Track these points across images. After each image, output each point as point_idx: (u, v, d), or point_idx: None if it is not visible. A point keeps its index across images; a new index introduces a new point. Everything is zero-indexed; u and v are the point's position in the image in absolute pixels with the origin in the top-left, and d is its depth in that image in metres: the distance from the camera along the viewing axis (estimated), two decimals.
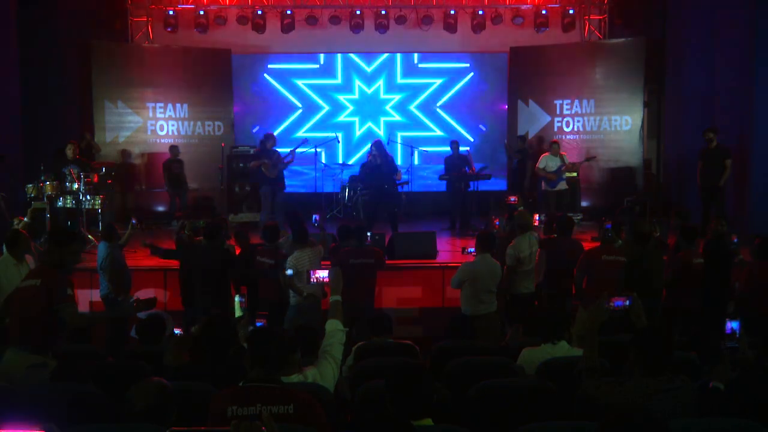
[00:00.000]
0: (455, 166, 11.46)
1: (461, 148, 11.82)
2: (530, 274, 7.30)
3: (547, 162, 11.46)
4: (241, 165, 12.61)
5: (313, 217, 8.51)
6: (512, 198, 10.13)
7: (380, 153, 10.58)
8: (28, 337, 4.62)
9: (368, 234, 8.10)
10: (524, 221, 7.47)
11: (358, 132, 14.47)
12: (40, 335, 4.61)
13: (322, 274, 4.46)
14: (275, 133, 11.87)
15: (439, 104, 14.49)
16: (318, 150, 12.78)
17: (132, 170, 13.15)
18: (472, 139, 14.33)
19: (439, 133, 14.40)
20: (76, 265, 5.11)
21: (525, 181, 12.62)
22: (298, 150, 11.11)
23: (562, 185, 11.43)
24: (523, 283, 7.29)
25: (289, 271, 6.91)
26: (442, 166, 11.91)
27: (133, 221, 8.25)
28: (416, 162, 13.76)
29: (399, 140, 13.89)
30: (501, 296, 7.18)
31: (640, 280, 6.44)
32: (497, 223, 8.53)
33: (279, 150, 10.99)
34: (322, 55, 14.31)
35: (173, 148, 12.43)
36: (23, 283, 4.81)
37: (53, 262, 4.81)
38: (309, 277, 4.77)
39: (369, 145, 11.21)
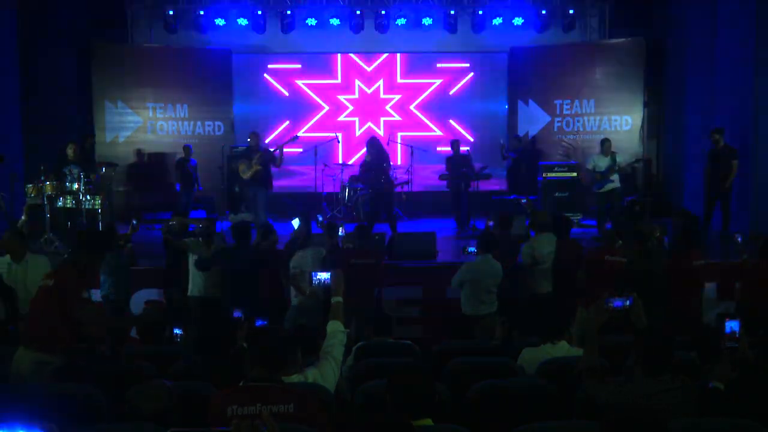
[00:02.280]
0: (456, 166, 11.45)
1: (461, 148, 11.82)
2: (547, 273, 7.28)
3: (596, 162, 10.95)
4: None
5: (318, 216, 8.53)
6: (523, 200, 10.07)
7: (375, 150, 10.62)
8: (36, 337, 4.63)
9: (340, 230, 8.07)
10: (543, 221, 7.46)
11: (358, 132, 14.46)
12: (49, 335, 4.60)
13: (324, 275, 4.47)
14: (274, 134, 11.87)
15: (438, 104, 14.48)
16: (317, 150, 12.80)
17: (130, 170, 13.15)
18: (472, 139, 14.31)
19: (439, 133, 14.40)
20: (97, 268, 5.05)
21: (523, 182, 12.58)
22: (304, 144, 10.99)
23: (611, 186, 10.79)
24: (540, 282, 7.27)
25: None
26: (442, 166, 11.91)
27: (134, 222, 8.25)
28: (416, 162, 13.74)
29: (399, 140, 13.88)
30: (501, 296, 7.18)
31: (641, 281, 6.44)
32: (491, 224, 8.52)
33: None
34: (322, 55, 14.30)
35: (186, 148, 12.41)
36: (40, 284, 4.84)
37: (76, 262, 4.77)
38: (311, 278, 4.78)
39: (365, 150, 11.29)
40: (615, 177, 10.88)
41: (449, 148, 11.84)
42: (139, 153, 13.21)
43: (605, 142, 11.18)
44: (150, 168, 13.21)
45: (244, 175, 10.52)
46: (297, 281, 7.05)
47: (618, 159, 11.07)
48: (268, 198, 10.73)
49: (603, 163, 10.94)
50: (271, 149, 10.81)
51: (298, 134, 11.56)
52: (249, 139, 10.96)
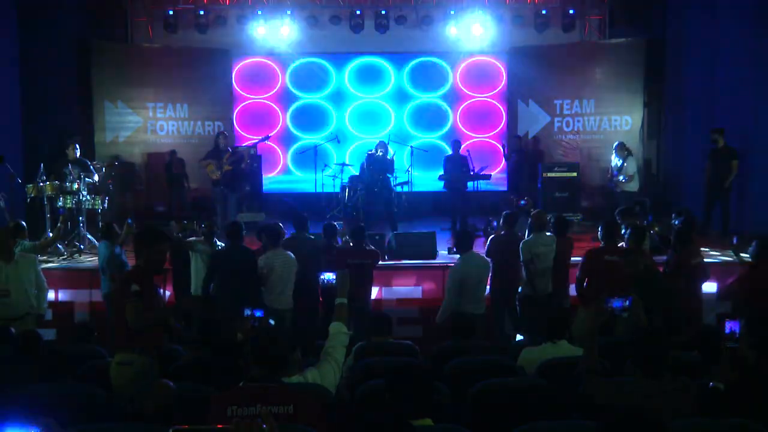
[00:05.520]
0: (454, 166, 11.44)
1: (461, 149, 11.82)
2: (545, 273, 7.28)
3: (614, 162, 11.19)
4: (242, 166, 12.61)
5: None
6: (522, 200, 10.05)
7: (383, 150, 10.76)
8: (112, 339, 4.70)
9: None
10: (540, 220, 7.47)
11: (358, 132, 14.46)
12: (122, 336, 4.58)
13: (329, 275, 4.45)
14: (272, 134, 11.82)
15: (439, 104, 14.48)
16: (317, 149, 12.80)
17: (131, 170, 13.14)
18: (472, 139, 14.29)
19: (439, 133, 14.40)
20: (162, 265, 4.94)
21: (523, 182, 12.57)
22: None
23: (620, 187, 10.96)
24: (539, 281, 7.25)
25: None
26: (442, 166, 11.90)
27: (129, 221, 8.25)
28: (416, 163, 13.73)
29: (399, 140, 13.87)
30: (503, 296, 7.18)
31: (640, 280, 6.43)
32: (494, 223, 8.52)
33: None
34: (322, 55, 14.30)
35: (171, 152, 12.44)
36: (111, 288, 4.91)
37: (140, 262, 4.81)
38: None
39: (375, 145, 11.37)
40: (627, 178, 10.95)
41: (449, 148, 11.83)
42: (139, 153, 13.21)
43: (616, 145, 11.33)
44: (150, 168, 13.20)
45: (213, 176, 10.39)
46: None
47: (629, 162, 11.02)
48: (239, 199, 10.54)
49: (613, 164, 11.12)
50: (242, 149, 10.70)
51: (270, 134, 11.51)
52: (218, 139, 10.87)
